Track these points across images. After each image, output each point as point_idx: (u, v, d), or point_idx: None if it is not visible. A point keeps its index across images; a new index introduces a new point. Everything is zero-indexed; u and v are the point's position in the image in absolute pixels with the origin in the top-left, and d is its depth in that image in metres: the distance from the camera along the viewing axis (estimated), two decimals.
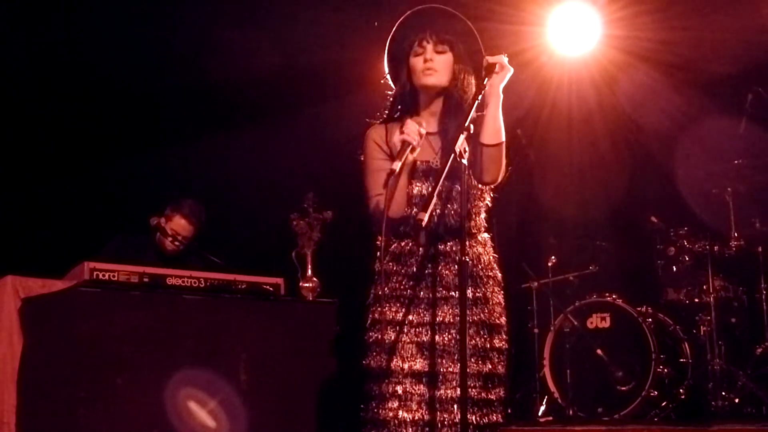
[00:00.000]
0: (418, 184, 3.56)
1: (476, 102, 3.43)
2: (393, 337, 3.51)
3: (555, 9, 6.57)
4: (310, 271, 5.36)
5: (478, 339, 3.52)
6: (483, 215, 3.66)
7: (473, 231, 3.60)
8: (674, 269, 6.54)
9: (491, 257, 3.65)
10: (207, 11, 6.51)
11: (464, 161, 3.36)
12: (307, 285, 5.33)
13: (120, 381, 4.43)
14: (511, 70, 3.51)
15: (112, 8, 6.20)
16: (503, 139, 3.53)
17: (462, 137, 3.35)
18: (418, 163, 3.55)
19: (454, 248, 3.51)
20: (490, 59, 3.50)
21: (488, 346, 3.55)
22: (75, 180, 6.77)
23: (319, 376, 5.02)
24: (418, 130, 3.41)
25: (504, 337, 3.63)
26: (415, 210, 3.47)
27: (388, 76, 3.74)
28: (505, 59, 3.49)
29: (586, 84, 7.02)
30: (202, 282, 4.88)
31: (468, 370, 3.31)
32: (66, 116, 6.83)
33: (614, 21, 6.55)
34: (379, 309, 3.56)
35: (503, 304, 3.64)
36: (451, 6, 3.71)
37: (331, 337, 5.15)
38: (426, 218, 3.22)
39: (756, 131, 6.33)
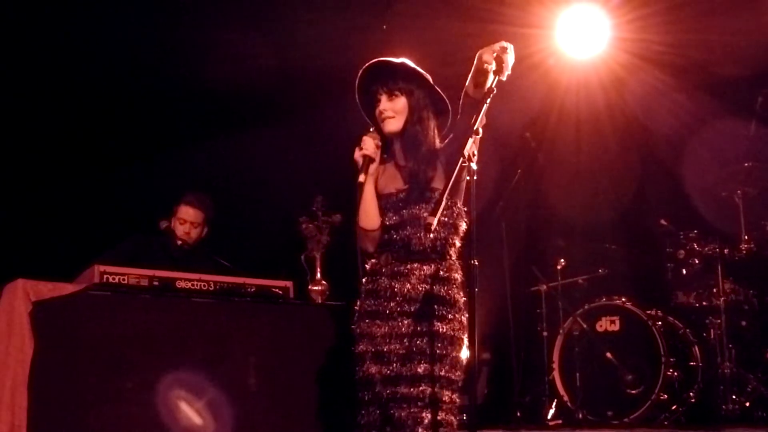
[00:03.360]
0: (390, 214, 3.86)
1: (485, 106, 3.47)
2: (369, 348, 3.82)
3: (563, 12, 6.57)
4: (319, 274, 5.36)
5: (437, 346, 3.73)
6: (456, 241, 3.84)
7: (437, 258, 3.81)
8: (684, 272, 6.53)
9: (456, 283, 3.83)
10: (216, 14, 6.53)
11: (473, 165, 3.40)
12: (316, 288, 5.33)
13: (130, 384, 4.45)
14: (509, 49, 3.61)
15: (125, 13, 6.23)
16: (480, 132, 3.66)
17: (471, 140, 3.41)
18: (388, 193, 3.89)
19: (414, 270, 3.79)
20: (488, 65, 3.56)
21: (447, 354, 3.75)
22: (85, 183, 6.78)
23: (328, 380, 5.02)
24: (375, 143, 3.87)
25: (459, 349, 3.79)
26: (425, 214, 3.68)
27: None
28: (507, 56, 3.58)
29: (595, 87, 7.02)
30: (212, 285, 4.89)
31: (423, 370, 3.69)
32: (76, 119, 6.85)
33: (623, 24, 6.55)
34: (357, 323, 3.90)
35: (463, 323, 3.79)
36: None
37: (340, 340, 5.15)
38: (435, 222, 3.35)
39: (766, 134, 6.32)
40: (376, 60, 3.91)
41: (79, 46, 6.45)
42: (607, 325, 6.50)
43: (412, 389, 3.68)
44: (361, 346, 3.84)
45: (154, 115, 7.07)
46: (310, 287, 5.34)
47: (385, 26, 6.61)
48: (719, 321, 6.27)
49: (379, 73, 3.91)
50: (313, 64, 6.74)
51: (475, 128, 3.42)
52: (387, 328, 3.78)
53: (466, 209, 3.81)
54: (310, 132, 7.22)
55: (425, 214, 3.68)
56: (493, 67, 3.55)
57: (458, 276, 3.84)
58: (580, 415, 6.27)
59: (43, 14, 6.20)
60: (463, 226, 3.84)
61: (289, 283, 5.16)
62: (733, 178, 6.45)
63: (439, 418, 3.67)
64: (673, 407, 6.15)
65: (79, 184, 6.76)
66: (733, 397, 6.01)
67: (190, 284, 4.83)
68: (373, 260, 3.92)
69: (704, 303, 6.47)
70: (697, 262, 6.45)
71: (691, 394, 6.21)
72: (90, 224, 6.43)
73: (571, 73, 6.98)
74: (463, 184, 3.75)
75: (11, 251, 6.27)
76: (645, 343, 6.25)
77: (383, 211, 3.88)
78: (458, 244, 3.85)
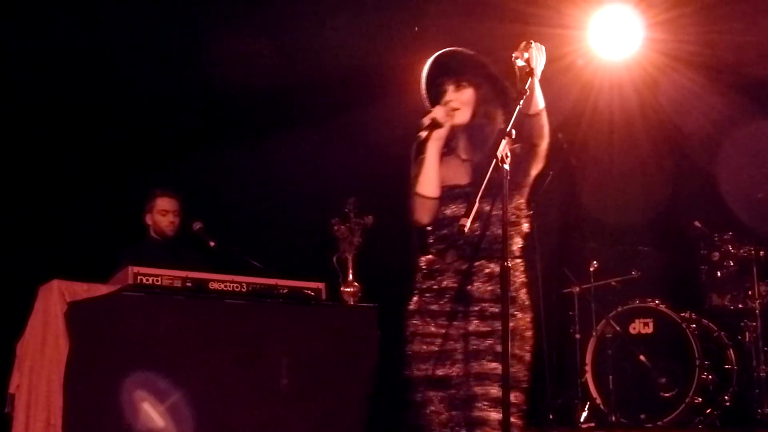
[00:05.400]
0: (451, 206, 3.70)
1: (517, 107, 3.45)
2: (422, 348, 3.69)
3: (597, 12, 6.54)
4: (351, 276, 5.37)
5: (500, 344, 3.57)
6: (517, 239, 3.72)
7: (509, 252, 3.66)
8: (718, 274, 6.48)
9: (519, 281, 3.72)
10: (248, 18, 6.56)
11: (506, 166, 3.38)
12: (348, 290, 5.34)
13: (163, 384, 4.48)
14: (541, 51, 3.58)
15: (157, 21, 6.28)
16: (542, 106, 3.64)
17: (504, 142, 3.37)
18: (451, 185, 3.73)
19: (484, 268, 3.64)
20: (518, 62, 3.53)
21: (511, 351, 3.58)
22: (120, 185, 6.83)
23: (360, 381, 5.03)
24: (446, 111, 3.68)
25: (525, 346, 3.68)
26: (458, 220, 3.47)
27: None
28: (532, 50, 3.53)
29: (628, 88, 6.98)
30: (244, 287, 4.92)
31: (487, 369, 3.54)
32: (114, 122, 6.90)
33: (656, 24, 6.51)
34: (411, 322, 3.75)
35: (529, 322, 3.71)
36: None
37: (372, 342, 5.16)
38: (468, 224, 3.27)
39: None
40: (445, 49, 3.79)
41: (112, 51, 6.51)
42: (640, 327, 6.47)
43: (478, 389, 3.54)
44: (418, 346, 3.71)
45: (187, 119, 7.12)
46: (342, 289, 5.36)
47: (416, 27, 6.60)
48: (754, 324, 6.23)
49: (446, 63, 3.79)
50: (346, 67, 6.75)
51: (507, 130, 3.38)
52: (451, 328, 3.63)
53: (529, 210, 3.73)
54: (342, 134, 7.23)
55: (487, 208, 3.59)
56: (524, 66, 3.54)
57: (523, 275, 3.72)
58: (613, 418, 6.24)
59: (76, 17, 6.25)
60: (525, 226, 3.73)
61: (321, 285, 5.18)
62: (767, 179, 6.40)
63: (504, 419, 3.49)
64: (708, 411, 6.11)
65: (115, 185, 6.81)
66: None
67: (222, 285, 4.86)
68: (428, 257, 3.77)
69: (739, 306, 6.42)
70: (731, 264, 6.41)
71: (725, 397, 6.16)
72: (125, 226, 6.47)
73: (603, 74, 6.95)
74: (529, 180, 3.73)
75: (47, 252, 6.33)
76: (679, 346, 6.21)
77: (444, 201, 3.71)
78: (521, 243, 3.72)
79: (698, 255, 6.61)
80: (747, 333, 6.29)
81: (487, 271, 3.64)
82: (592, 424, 6.44)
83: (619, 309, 6.57)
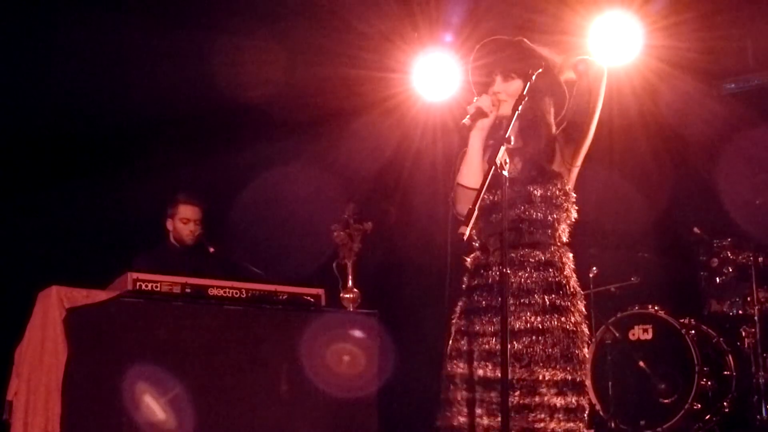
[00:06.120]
0: (498, 192, 3.54)
1: (516, 113, 3.45)
2: (466, 346, 3.58)
3: (596, 19, 6.53)
4: (350, 282, 5.37)
5: (553, 346, 3.50)
6: (563, 226, 3.66)
7: (549, 241, 3.60)
8: (718, 281, 6.49)
9: (568, 267, 3.63)
10: (244, 25, 6.56)
11: (505, 173, 3.37)
12: (347, 296, 5.34)
13: (162, 391, 4.47)
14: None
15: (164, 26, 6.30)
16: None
17: (502, 149, 3.35)
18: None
19: (528, 256, 3.54)
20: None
21: (566, 353, 3.52)
22: (118, 191, 6.83)
23: (361, 388, 5.02)
24: (492, 100, 3.60)
25: (582, 346, 3.60)
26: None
27: None
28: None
29: (628, 94, 6.98)
30: (244, 293, 4.91)
31: (544, 376, 3.42)
32: (110, 124, 6.90)
33: (656, 31, 6.50)
34: (457, 321, 3.67)
35: (583, 312, 3.64)
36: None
37: (372, 348, 5.16)
38: (467, 232, 3.21)
39: None
40: (494, 37, 3.74)
41: (113, 50, 6.51)
42: (639, 333, 6.47)
43: (534, 397, 3.40)
44: (460, 344, 3.60)
45: (187, 125, 7.11)
46: (341, 295, 5.35)
47: (417, 34, 6.61)
48: (754, 330, 6.23)
49: (495, 51, 3.71)
50: (345, 75, 6.76)
51: (506, 136, 3.36)
52: (497, 323, 3.47)
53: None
54: (342, 141, 7.23)
55: (537, 192, 3.53)
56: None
57: (571, 263, 3.63)
58: (613, 425, 6.24)
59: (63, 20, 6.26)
60: (573, 213, 3.67)
61: (320, 291, 5.17)
62: (767, 185, 6.40)
63: (563, 427, 3.45)
64: (707, 417, 6.10)
65: (114, 191, 6.81)
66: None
67: (222, 291, 4.85)
68: (474, 254, 3.69)
69: (738, 312, 6.42)
70: (730, 270, 6.41)
71: (725, 403, 6.16)
72: (124, 232, 6.47)
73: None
74: (575, 171, 3.71)
75: (46, 259, 6.33)
76: (678, 352, 6.22)
77: (489, 188, 3.47)
78: (567, 230, 3.66)
79: (697, 261, 6.62)
80: (746, 339, 6.29)
81: (533, 260, 3.52)
82: (592, 431, 6.42)
83: (618, 315, 6.57)
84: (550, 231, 3.60)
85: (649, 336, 6.44)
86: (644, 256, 6.92)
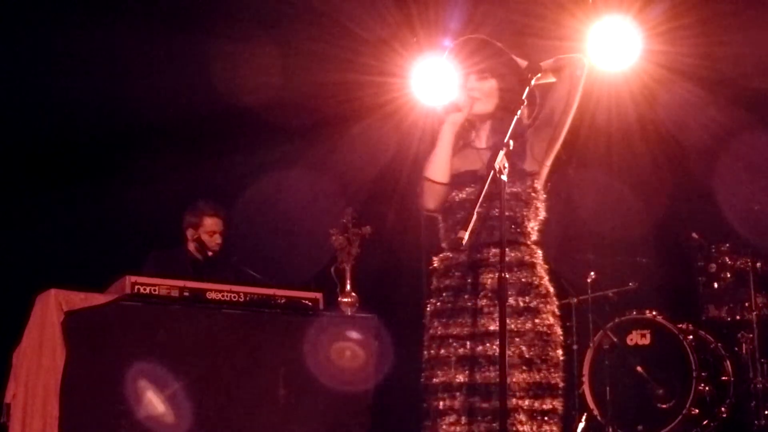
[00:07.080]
0: (466, 189, 3.60)
1: (515, 117, 3.46)
2: (440, 352, 3.53)
3: (594, 24, 6.54)
4: (348, 286, 5.37)
5: (528, 348, 3.46)
6: (532, 224, 3.66)
7: (520, 239, 3.59)
8: (716, 286, 6.50)
9: (540, 266, 3.63)
10: (243, 30, 6.57)
11: (503, 177, 3.36)
12: (346, 300, 5.34)
13: (160, 394, 4.46)
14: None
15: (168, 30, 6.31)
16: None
17: (502, 153, 3.35)
18: (465, 171, 3.63)
19: (496, 255, 3.44)
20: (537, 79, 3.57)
21: (541, 355, 3.48)
22: (117, 194, 6.83)
23: (358, 392, 5.02)
24: (466, 97, 3.63)
25: (557, 348, 3.54)
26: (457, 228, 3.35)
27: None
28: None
29: (626, 100, 6.99)
30: (242, 296, 4.90)
31: (519, 379, 3.37)
32: (109, 128, 6.91)
33: (655, 36, 6.51)
34: (430, 325, 3.61)
35: (556, 313, 3.60)
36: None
37: (370, 352, 5.15)
38: (466, 237, 3.20)
39: None
40: (469, 36, 3.74)
41: (111, 53, 6.52)
42: (637, 338, 6.48)
43: (509, 399, 3.30)
44: (436, 350, 3.53)
45: (184, 129, 7.11)
46: (340, 299, 5.35)
47: (416, 39, 6.63)
48: (751, 335, 6.23)
49: (470, 51, 3.69)
50: (344, 80, 6.77)
51: (506, 141, 3.37)
52: (473, 327, 3.45)
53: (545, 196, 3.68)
54: (340, 145, 7.24)
55: (507, 189, 3.40)
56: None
57: (541, 262, 3.61)
58: (610, 430, 6.23)
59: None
60: (542, 212, 3.68)
61: (318, 295, 5.17)
62: (765, 191, 6.41)
63: (537, 431, 3.37)
64: (705, 422, 6.11)
65: (112, 194, 6.81)
66: (765, 412, 5.96)
67: (220, 295, 4.84)
68: (441, 254, 3.66)
69: (736, 317, 6.43)
70: (728, 275, 6.42)
71: (722, 409, 6.16)
72: (122, 235, 6.47)
73: (602, 86, 6.95)
74: (545, 171, 3.71)
75: (44, 262, 6.32)
76: (676, 357, 6.22)
77: (456, 187, 3.56)
78: (536, 227, 3.65)
79: (695, 266, 6.62)
80: (744, 344, 6.31)
81: (507, 258, 3.39)
82: None
83: (616, 320, 6.57)
84: (519, 229, 3.59)
85: (647, 341, 6.45)
86: (642, 262, 6.92)
